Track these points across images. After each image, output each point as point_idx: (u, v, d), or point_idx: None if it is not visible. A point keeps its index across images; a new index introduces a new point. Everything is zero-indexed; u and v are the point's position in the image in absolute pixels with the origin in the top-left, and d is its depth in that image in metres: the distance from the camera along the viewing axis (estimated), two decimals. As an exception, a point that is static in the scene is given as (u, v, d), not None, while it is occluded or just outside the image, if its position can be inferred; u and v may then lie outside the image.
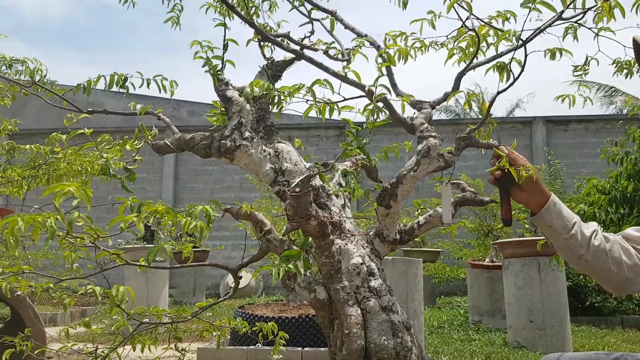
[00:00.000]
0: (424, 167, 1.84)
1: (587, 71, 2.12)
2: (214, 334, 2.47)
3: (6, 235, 1.36)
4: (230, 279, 10.12)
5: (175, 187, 12.29)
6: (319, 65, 1.91)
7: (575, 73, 2.15)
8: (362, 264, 1.88)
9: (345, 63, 2.04)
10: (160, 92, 1.88)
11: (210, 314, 2.36)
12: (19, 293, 1.78)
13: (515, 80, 1.74)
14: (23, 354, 2.13)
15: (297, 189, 1.70)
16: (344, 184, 2.17)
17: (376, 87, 1.75)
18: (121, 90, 1.85)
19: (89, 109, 1.91)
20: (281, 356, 2.72)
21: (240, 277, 2.35)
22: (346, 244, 1.91)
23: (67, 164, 3.78)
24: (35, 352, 2.05)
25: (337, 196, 2.08)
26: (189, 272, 9.96)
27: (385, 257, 2.21)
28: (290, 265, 1.62)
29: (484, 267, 6.65)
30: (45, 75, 2.31)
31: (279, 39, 2.07)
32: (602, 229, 1.54)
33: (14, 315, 3.16)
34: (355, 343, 1.74)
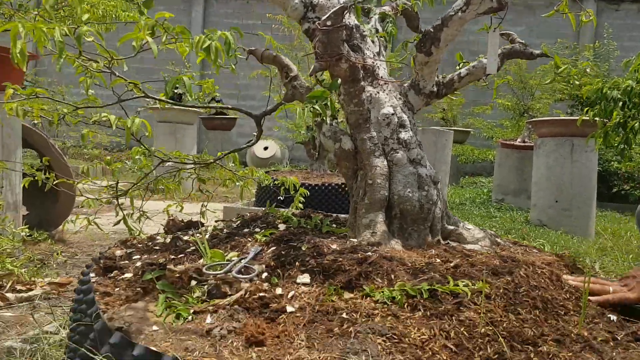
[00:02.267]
0: (474, 7, 1.62)
1: None
2: (237, 184, 2.45)
3: (12, 48, 1.26)
4: (256, 149, 10.22)
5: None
6: None
7: None
8: (393, 114, 1.76)
9: None
10: None
11: (233, 163, 2.31)
12: (35, 122, 1.73)
13: None
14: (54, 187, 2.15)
15: (329, 23, 1.53)
16: (381, 29, 1.98)
17: None
18: None
19: None
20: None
21: (262, 131, 2.26)
22: (377, 92, 1.77)
23: (90, 7, 3.61)
24: (59, 185, 2.07)
25: (372, 42, 1.90)
26: (215, 137, 10.09)
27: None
28: (316, 106, 1.51)
29: (515, 147, 6.50)
30: None
31: None
32: None
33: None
34: (378, 193, 1.67)
